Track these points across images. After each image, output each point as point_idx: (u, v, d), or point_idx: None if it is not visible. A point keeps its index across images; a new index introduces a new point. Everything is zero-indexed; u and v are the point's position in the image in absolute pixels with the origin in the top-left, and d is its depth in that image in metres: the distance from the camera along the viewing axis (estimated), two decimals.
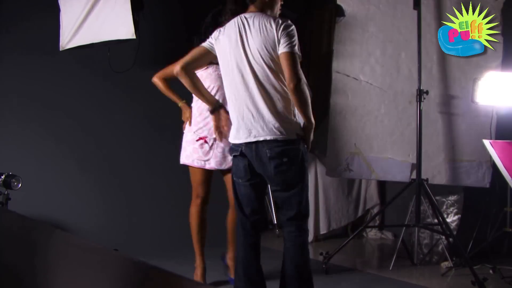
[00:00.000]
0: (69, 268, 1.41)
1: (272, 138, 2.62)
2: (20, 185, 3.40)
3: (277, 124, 2.62)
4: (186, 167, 4.84)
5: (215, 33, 2.81)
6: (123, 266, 1.42)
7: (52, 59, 4.29)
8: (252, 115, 2.65)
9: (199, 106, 3.42)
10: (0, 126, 4.21)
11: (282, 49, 2.59)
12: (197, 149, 3.40)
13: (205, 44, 2.84)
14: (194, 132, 3.41)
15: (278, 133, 2.62)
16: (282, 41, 2.59)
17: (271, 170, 2.66)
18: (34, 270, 1.37)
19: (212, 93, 3.28)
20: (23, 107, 4.30)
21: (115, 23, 3.93)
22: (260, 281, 2.87)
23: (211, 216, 3.71)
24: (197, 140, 3.40)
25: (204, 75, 3.37)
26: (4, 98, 4.23)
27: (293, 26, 2.64)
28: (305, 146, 2.72)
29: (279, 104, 2.63)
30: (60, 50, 4.06)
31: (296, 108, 2.66)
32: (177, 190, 4.81)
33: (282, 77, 2.64)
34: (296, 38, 2.63)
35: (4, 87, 4.23)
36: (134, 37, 3.94)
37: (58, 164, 4.40)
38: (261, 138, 2.63)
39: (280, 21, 2.63)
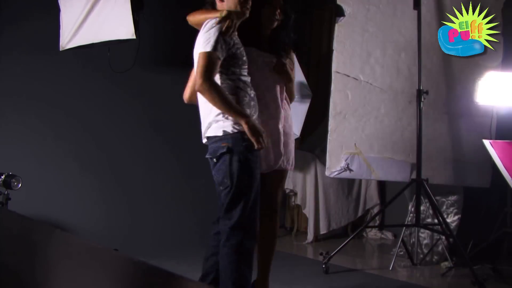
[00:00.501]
0: (69, 268, 1.41)
1: (206, 136, 2.65)
2: (20, 185, 3.40)
3: (206, 123, 2.63)
4: (186, 167, 4.86)
5: None
6: (123, 266, 1.41)
7: (52, 59, 4.29)
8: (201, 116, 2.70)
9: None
10: (0, 125, 4.21)
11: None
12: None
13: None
14: None
15: (207, 131, 2.63)
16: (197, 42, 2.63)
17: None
18: (34, 270, 1.37)
19: None
20: (24, 107, 4.30)
21: (115, 23, 3.93)
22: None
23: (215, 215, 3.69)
24: None
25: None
26: (4, 98, 4.23)
27: (210, 23, 2.58)
28: (244, 144, 2.55)
29: (208, 103, 2.60)
30: (60, 50, 4.06)
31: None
32: (177, 189, 4.82)
33: None
34: (208, 35, 2.56)
35: (4, 87, 4.23)
36: (134, 37, 3.93)
37: (58, 164, 4.40)
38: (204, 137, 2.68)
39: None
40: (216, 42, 2.53)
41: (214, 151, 2.58)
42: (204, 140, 2.69)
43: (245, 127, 2.51)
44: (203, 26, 2.62)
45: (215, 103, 2.53)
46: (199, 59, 2.56)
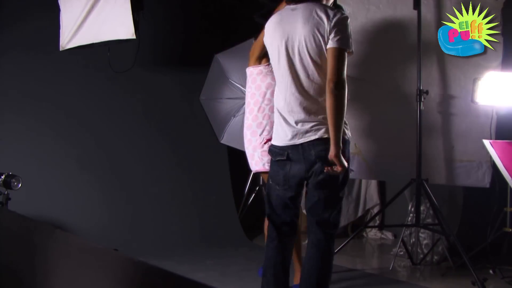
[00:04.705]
0: (69, 268, 1.41)
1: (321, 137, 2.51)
2: (20, 185, 3.40)
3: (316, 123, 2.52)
4: (186, 167, 4.84)
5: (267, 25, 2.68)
6: (123, 266, 1.42)
7: (52, 59, 4.30)
8: (298, 113, 2.51)
9: (258, 104, 3.21)
10: (0, 125, 4.21)
11: (330, 44, 2.46)
12: (266, 152, 3.07)
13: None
14: (259, 135, 3.18)
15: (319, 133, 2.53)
16: (332, 34, 2.46)
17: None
18: (34, 270, 1.37)
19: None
20: (23, 107, 4.30)
21: (115, 23, 3.93)
22: (286, 283, 2.70)
23: (216, 215, 3.70)
24: (264, 143, 3.16)
25: (264, 71, 3.20)
26: (4, 97, 4.24)
27: (347, 20, 2.52)
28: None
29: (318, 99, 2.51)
30: (60, 50, 4.06)
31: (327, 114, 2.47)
32: (177, 189, 4.82)
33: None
34: (349, 32, 2.50)
35: (4, 87, 4.24)
36: (134, 37, 3.94)
37: (58, 164, 4.40)
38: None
39: (333, 12, 2.50)
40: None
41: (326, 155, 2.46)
42: (303, 141, 2.52)
43: (335, 151, 2.43)
44: (334, 14, 2.49)
45: (334, 111, 2.43)
46: (340, 55, 2.43)
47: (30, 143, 4.31)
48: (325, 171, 2.45)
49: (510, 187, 3.57)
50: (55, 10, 4.04)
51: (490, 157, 3.49)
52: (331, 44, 2.46)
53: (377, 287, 3.64)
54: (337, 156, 2.41)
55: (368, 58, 4.09)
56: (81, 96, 4.52)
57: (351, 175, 4.19)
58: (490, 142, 3.41)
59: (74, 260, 1.47)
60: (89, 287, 1.25)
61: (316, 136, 2.49)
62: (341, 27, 2.48)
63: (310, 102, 2.51)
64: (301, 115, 2.51)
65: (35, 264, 1.43)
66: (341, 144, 2.43)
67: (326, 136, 2.48)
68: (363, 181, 5.14)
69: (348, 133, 2.59)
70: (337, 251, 3.89)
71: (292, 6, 2.61)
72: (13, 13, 4.27)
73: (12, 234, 1.83)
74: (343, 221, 5.11)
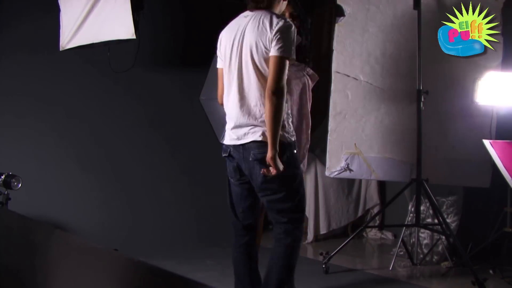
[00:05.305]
0: (69, 268, 1.41)
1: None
2: (20, 185, 3.40)
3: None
4: (186, 167, 4.81)
5: (218, 43, 2.78)
6: (123, 266, 1.42)
7: (52, 59, 4.29)
8: (239, 115, 2.60)
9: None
10: (0, 125, 4.21)
11: (272, 52, 2.50)
12: None
13: (219, 65, 2.79)
14: None
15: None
16: (274, 43, 2.50)
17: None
18: (34, 270, 1.37)
19: None
20: (24, 107, 4.30)
21: (115, 23, 3.92)
22: (252, 282, 2.77)
23: (215, 215, 3.69)
24: None
25: None
26: (4, 97, 4.23)
27: (291, 28, 2.53)
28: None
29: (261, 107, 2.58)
30: (60, 50, 4.06)
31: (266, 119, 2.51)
32: (177, 189, 4.82)
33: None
34: (291, 40, 2.52)
35: (4, 87, 4.23)
36: (134, 37, 3.93)
37: (58, 164, 4.40)
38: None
39: (276, 21, 2.52)
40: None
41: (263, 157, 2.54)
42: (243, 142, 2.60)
43: (271, 153, 2.47)
44: (277, 23, 2.51)
45: (271, 117, 2.46)
46: (280, 63, 2.49)
47: (30, 143, 4.30)
48: (261, 172, 2.52)
49: (510, 187, 3.58)
50: (55, 10, 4.04)
51: (490, 157, 3.49)
52: (272, 52, 2.51)
53: (377, 287, 3.64)
54: (273, 158, 2.47)
55: (368, 58, 4.09)
56: (81, 96, 4.52)
57: (351, 175, 4.21)
58: (490, 142, 3.42)
59: (74, 260, 1.47)
60: (89, 287, 1.25)
61: (253, 138, 2.56)
62: (283, 35, 2.50)
63: (250, 106, 2.58)
64: (242, 118, 2.59)
65: (35, 264, 1.43)
66: (277, 147, 2.48)
67: (260, 139, 2.55)
68: (363, 181, 5.15)
69: (289, 137, 2.60)
70: (337, 251, 3.91)
71: (245, 13, 2.68)
72: (13, 13, 4.27)
73: (12, 234, 1.83)
74: (343, 221, 5.12)
